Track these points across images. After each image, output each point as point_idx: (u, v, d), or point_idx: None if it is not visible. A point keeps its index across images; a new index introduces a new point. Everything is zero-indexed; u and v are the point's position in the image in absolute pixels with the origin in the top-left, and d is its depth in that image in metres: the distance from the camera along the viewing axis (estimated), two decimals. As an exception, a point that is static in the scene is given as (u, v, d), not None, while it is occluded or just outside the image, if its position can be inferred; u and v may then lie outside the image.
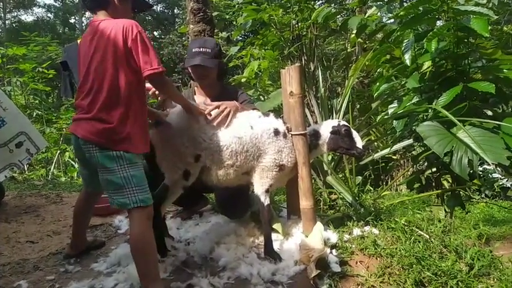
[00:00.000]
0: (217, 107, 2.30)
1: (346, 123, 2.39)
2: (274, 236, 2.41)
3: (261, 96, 4.28)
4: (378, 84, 3.19)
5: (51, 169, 5.58)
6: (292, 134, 2.35)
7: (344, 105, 3.85)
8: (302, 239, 2.28)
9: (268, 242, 2.26)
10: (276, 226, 2.50)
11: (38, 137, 3.38)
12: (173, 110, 2.25)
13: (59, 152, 5.81)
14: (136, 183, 1.82)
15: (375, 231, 2.66)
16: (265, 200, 2.26)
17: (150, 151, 2.16)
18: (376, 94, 3.17)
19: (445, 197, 3.28)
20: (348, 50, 6.20)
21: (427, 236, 2.58)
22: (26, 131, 3.25)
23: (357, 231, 2.56)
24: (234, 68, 8.05)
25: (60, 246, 2.48)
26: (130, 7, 2.01)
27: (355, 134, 2.36)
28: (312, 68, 4.10)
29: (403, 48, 2.93)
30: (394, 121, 2.99)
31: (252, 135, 2.24)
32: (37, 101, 7.31)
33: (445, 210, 3.18)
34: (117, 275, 2.07)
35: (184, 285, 1.97)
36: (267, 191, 2.27)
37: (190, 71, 2.61)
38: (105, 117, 1.79)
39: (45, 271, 2.14)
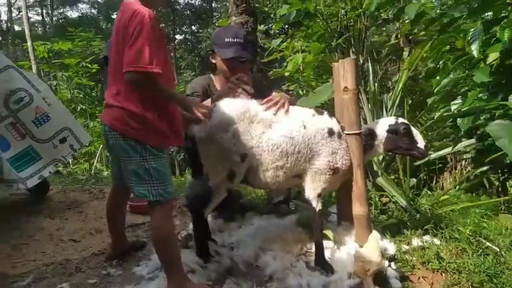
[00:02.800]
0: (270, 99, 2.14)
1: (405, 121, 2.15)
2: (324, 243, 2.23)
3: (305, 91, 4.06)
4: (438, 78, 2.89)
5: (94, 163, 5.66)
6: (346, 134, 2.14)
7: (397, 101, 3.57)
8: (356, 249, 2.08)
9: (320, 252, 2.09)
10: (327, 232, 2.31)
11: (82, 132, 3.36)
12: (220, 102, 2.10)
13: (101, 146, 5.88)
14: (157, 177, 1.76)
15: (436, 241, 2.41)
16: (317, 205, 2.08)
17: (193, 148, 2.05)
18: (437, 89, 2.88)
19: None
20: (392, 42, 5.83)
21: (497, 249, 2.30)
22: (69, 127, 3.24)
23: (416, 242, 2.33)
24: (272, 62, 7.86)
25: (102, 246, 2.42)
26: None
27: (415, 132, 2.12)
28: (361, 61, 3.83)
29: (469, 38, 2.63)
30: (458, 119, 2.70)
31: (304, 135, 2.06)
32: (81, 95, 7.49)
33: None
34: (158, 281, 1.96)
35: (230, 296, 1.84)
36: (319, 195, 2.09)
37: (221, 61, 2.45)
38: (128, 106, 1.71)
39: (87, 273, 2.08)
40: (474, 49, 2.61)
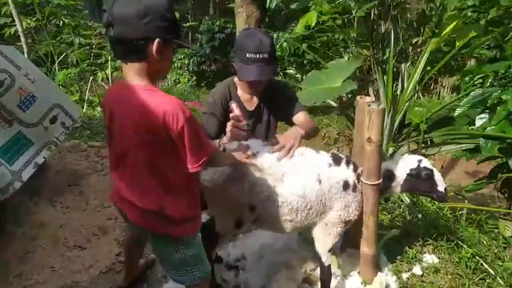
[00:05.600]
0: (276, 143, 1.95)
1: (428, 165, 1.99)
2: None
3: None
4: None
5: (86, 97, 5.38)
6: (364, 183, 2.00)
7: (416, 75, 3.25)
8: (360, 290, 2.14)
9: None
10: (333, 259, 2.34)
11: (71, 105, 3.10)
12: (231, 148, 1.91)
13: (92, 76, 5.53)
14: (195, 262, 1.65)
15: (435, 259, 2.49)
16: (326, 260, 2.05)
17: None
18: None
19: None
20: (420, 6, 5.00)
21: (493, 273, 2.39)
22: (58, 102, 2.97)
23: (417, 269, 2.39)
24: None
25: (109, 258, 2.45)
26: (171, 56, 1.50)
27: (437, 176, 1.99)
28: (384, 28, 3.35)
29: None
30: (482, 139, 2.48)
31: (318, 192, 1.92)
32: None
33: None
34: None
35: None
36: (329, 250, 2.05)
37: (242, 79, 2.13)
38: (165, 209, 1.51)
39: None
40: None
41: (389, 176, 2.04)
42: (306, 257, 2.40)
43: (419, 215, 2.90)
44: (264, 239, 2.53)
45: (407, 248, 2.56)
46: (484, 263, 2.46)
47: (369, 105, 1.88)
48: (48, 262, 2.42)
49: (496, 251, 2.63)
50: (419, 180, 2.01)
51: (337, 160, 1.99)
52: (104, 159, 3.66)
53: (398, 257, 2.48)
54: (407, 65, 3.47)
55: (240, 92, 2.23)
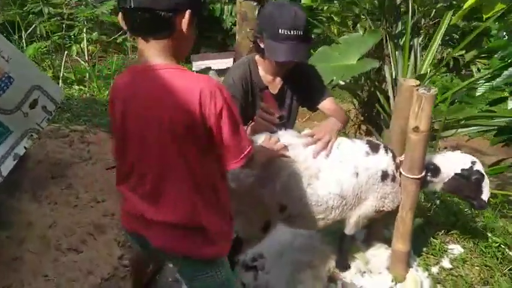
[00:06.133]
0: (312, 134, 1.72)
1: (481, 169, 1.81)
2: (356, 266, 2.13)
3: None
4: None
5: (61, 73, 4.89)
6: (404, 176, 1.80)
7: (433, 49, 3.02)
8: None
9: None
10: (360, 256, 2.18)
11: (53, 87, 2.71)
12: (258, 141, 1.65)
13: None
14: (228, 286, 1.39)
15: (460, 249, 2.37)
16: (350, 231, 1.94)
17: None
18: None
19: None
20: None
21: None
22: (38, 84, 2.57)
23: (445, 262, 2.26)
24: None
25: (111, 262, 2.18)
26: (195, 30, 1.22)
27: (485, 183, 1.81)
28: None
29: None
30: None
31: (355, 186, 1.72)
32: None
33: None
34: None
35: None
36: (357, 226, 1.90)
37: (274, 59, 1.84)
38: (209, 222, 1.24)
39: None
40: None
41: (434, 171, 1.85)
42: (329, 254, 2.21)
43: (437, 201, 2.77)
44: (282, 235, 2.30)
45: (431, 238, 2.42)
46: (510, 252, 2.36)
47: (418, 89, 1.65)
48: (40, 269, 2.12)
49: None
50: (467, 183, 1.83)
51: (374, 148, 1.78)
52: (89, 145, 3.31)
53: (424, 249, 2.33)
54: (420, 39, 3.25)
55: (261, 72, 1.95)
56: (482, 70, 2.72)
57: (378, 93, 3.03)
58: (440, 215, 2.63)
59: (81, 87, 4.99)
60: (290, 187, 1.65)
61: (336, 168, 1.69)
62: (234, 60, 7.04)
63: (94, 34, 5.51)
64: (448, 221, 2.60)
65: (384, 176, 1.77)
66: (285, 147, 1.63)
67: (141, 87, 1.17)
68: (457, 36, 3.33)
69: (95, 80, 5.03)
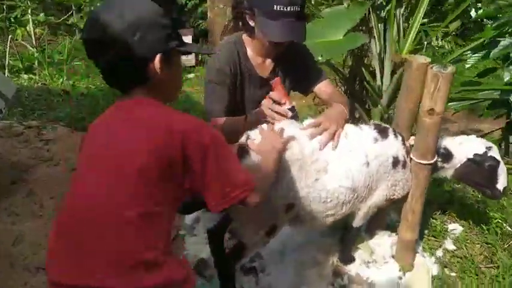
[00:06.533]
0: (318, 124, 1.52)
1: (497, 155, 1.67)
2: (361, 257, 2.01)
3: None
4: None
5: (6, 60, 4.36)
6: (415, 162, 1.66)
7: (419, 18, 2.82)
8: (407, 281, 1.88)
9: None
10: (363, 246, 2.05)
11: (3, 81, 2.35)
12: (257, 139, 1.43)
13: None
14: None
15: (459, 228, 2.31)
16: (357, 223, 1.80)
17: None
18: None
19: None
20: None
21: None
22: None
23: (449, 243, 2.18)
24: None
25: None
26: (180, 62, 1.13)
27: (501, 171, 1.68)
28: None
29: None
30: None
31: (366, 175, 1.56)
32: None
33: None
34: None
35: None
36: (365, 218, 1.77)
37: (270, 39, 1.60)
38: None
39: None
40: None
41: (445, 156, 1.71)
42: (331, 247, 2.07)
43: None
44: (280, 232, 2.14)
45: (431, 219, 2.33)
46: (508, 227, 2.32)
47: (432, 68, 1.48)
48: (7, 296, 1.84)
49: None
50: (480, 170, 1.69)
51: (383, 132, 1.62)
52: (48, 143, 2.95)
53: (426, 231, 2.25)
54: (402, 9, 3.07)
55: (250, 53, 1.72)
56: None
57: (363, 69, 2.86)
58: (434, 192, 2.55)
59: (31, 75, 4.51)
60: (297, 184, 1.45)
61: (345, 159, 1.51)
62: (197, 40, 6.67)
63: (40, 15, 4.95)
64: (442, 198, 2.53)
65: (395, 162, 1.62)
66: (292, 139, 1.43)
67: (115, 125, 1.03)
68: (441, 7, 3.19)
69: (45, 67, 4.55)
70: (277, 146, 1.34)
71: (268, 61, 1.78)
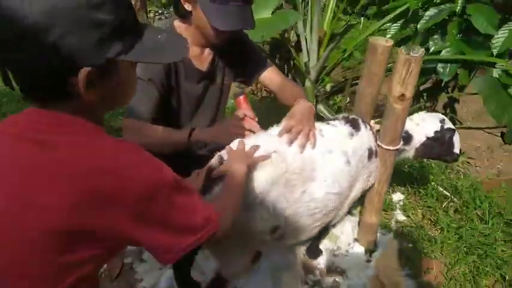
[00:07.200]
0: (290, 128, 1.35)
1: (451, 125, 1.70)
2: (325, 250, 1.96)
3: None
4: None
5: None
6: (383, 148, 1.60)
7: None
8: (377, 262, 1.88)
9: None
10: (328, 236, 2.00)
11: None
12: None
13: None
14: None
15: (401, 196, 2.41)
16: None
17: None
18: None
19: None
20: None
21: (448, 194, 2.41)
22: None
23: (398, 214, 2.26)
24: None
25: None
26: (132, 80, 0.83)
27: (456, 136, 1.73)
28: None
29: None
30: (439, 64, 2.27)
31: (348, 174, 1.46)
32: None
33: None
34: None
35: None
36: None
37: (205, 20, 1.33)
38: None
39: None
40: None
41: (406, 139, 1.69)
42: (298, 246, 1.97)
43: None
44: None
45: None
46: (442, 189, 2.48)
47: (404, 52, 1.39)
48: None
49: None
50: (440, 143, 1.71)
51: (355, 126, 1.52)
52: None
53: (375, 206, 2.29)
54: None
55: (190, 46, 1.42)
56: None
57: (289, 46, 2.73)
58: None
59: None
60: (283, 203, 1.28)
61: (328, 162, 1.38)
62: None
63: None
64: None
65: (370, 154, 1.55)
66: (270, 154, 1.23)
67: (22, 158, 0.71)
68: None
69: None
70: (251, 166, 1.14)
71: (207, 51, 1.51)
